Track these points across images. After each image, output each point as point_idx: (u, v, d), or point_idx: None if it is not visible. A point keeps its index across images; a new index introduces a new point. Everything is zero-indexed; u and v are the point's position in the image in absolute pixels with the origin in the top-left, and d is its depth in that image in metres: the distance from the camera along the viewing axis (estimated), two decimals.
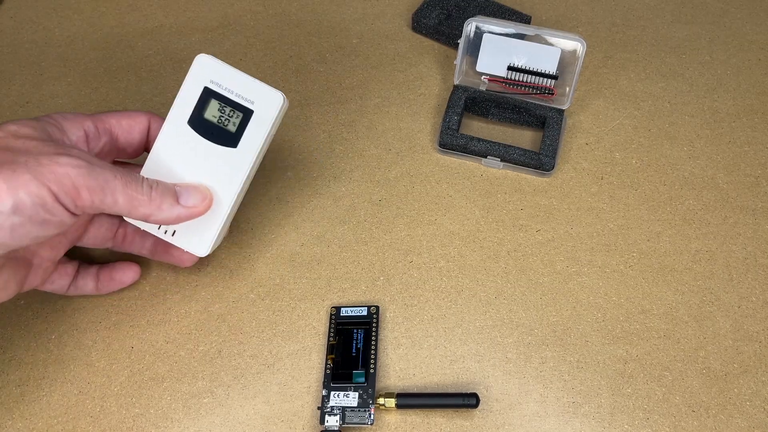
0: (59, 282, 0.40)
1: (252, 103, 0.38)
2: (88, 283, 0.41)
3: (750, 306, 0.43)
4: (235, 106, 0.38)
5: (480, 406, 0.39)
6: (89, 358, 0.41)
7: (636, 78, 0.55)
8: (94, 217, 0.40)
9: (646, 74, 0.55)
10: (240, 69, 0.39)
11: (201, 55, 0.39)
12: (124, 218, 0.40)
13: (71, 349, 0.41)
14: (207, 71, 0.39)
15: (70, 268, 0.40)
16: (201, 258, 0.41)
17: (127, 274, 0.42)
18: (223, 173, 0.39)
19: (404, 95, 0.54)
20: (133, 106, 0.53)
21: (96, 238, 0.41)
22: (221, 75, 0.39)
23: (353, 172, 0.49)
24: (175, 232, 0.39)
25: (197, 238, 0.39)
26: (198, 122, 0.38)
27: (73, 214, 0.31)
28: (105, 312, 0.43)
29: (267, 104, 0.38)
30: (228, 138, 0.38)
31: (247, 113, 0.38)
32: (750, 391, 0.40)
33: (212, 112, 0.39)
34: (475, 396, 0.38)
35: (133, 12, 0.59)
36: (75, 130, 0.35)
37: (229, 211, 0.39)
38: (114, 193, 0.32)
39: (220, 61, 0.39)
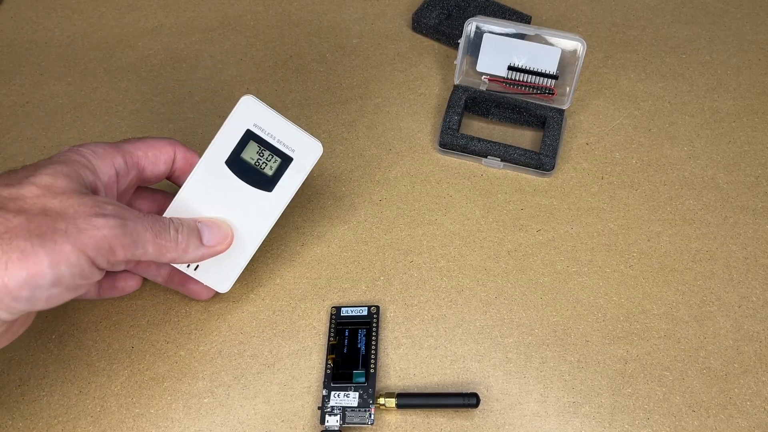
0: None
1: (293, 150, 0.39)
2: (90, 290, 0.40)
3: (750, 306, 0.43)
4: (275, 151, 0.39)
5: (480, 406, 0.39)
6: (89, 357, 0.41)
7: (636, 78, 0.55)
8: None
9: (646, 74, 0.55)
10: (282, 114, 0.40)
11: (247, 96, 0.39)
12: None
13: (71, 348, 0.41)
14: (251, 113, 0.39)
15: None
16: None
17: (129, 283, 0.41)
18: (255, 215, 0.39)
19: (404, 95, 0.54)
20: (133, 107, 0.53)
21: None
22: (265, 119, 0.39)
23: (353, 172, 0.49)
24: (198, 266, 0.39)
25: (221, 275, 0.40)
26: (235, 162, 0.39)
27: (103, 270, 0.32)
28: (105, 312, 0.43)
29: (306, 153, 0.40)
30: (264, 181, 0.39)
31: (286, 159, 0.39)
32: (750, 391, 0.40)
33: (250, 154, 0.39)
34: (475, 396, 0.38)
35: (133, 12, 0.59)
36: (106, 169, 0.35)
37: (253, 253, 0.40)
38: (145, 245, 0.33)
39: (264, 105, 0.39)
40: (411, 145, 0.51)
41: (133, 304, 0.43)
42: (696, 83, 0.54)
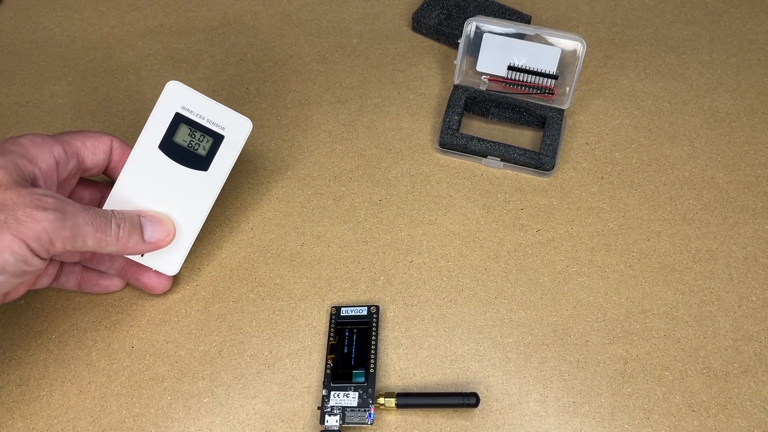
0: (40, 282, 0.40)
1: (223, 129, 0.41)
2: (70, 280, 0.41)
3: (750, 306, 0.43)
4: (206, 131, 0.41)
5: (480, 406, 0.39)
6: (89, 357, 0.41)
7: (636, 78, 0.55)
8: None
9: (646, 74, 0.55)
10: (237, 111, 0.41)
11: (172, 81, 0.40)
12: None
13: (71, 348, 0.41)
14: (178, 97, 0.40)
15: (51, 269, 0.40)
16: (172, 278, 0.42)
17: (114, 282, 0.42)
18: (193, 196, 0.41)
19: (404, 95, 0.54)
20: (133, 107, 0.53)
21: (67, 254, 0.41)
22: (192, 101, 0.41)
23: (353, 172, 0.49)
24: (143, 254, 0.40)
25: (167, 259, 0.41)
26: (168, 146, 0.40)
27: (45, 259, 0.33)
28: (105, 312, 0.43)
29: (237, 130, 0.41)
30: (199, 161, 0.41)
31: (218, 138, 0.41)
32: (750, 391, 0.40)
33: (182, 136, 0.41)
34: (475, 396, 0.38)
35: (133, 12, 0.60)
36: (45, 158, 0.36)
37: (197, 232, 0.41)
38: (85, 238, 0.34)
39: (190, 89, 0.40)
40: (411, 145, 0.51)
41: (133, 304, 0.43)
42: (696, 83, 0.54)
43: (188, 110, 0.40)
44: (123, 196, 0.40)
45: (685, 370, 0.40)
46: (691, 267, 0.45)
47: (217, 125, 0.41)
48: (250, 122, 0.42)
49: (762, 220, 0.47)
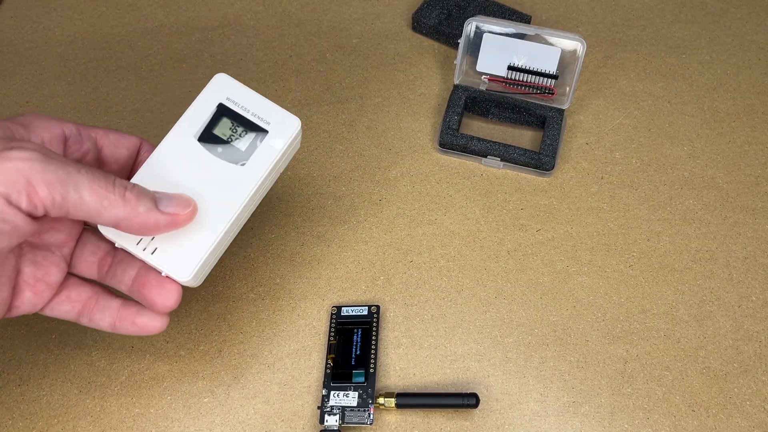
0: (62, 308, 0.34)
1: (268, 123, 0.37)
2: (105, 318, 0.34)
3: (750, 306, 0.43)
4: (248, 125, 0.36)
5: (480, 406, 0.39)
6: (90, 357, 0.41)
7: (636, 78, 0.55)
8: (78, 240, 0.35)
9: (646, 74, 0.55)
10: (259, 92, 0.37)
11: (220, 74, 0.37)
12: (98, 228, 0.34)
13: (72, 348, 0.41)
14: (224, 89, 0.37)
15: (78, 293, 0.34)
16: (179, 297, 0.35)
17: (154, 323, 0.34)
18: (226, 191, 0.35)
19: (404, 95, 0.54)
20: (133, 106, 0.53)
21: (82, 263, 0.35)
22: (239, 94, 0.37)
23: (353, 172, 0.49)
24: (156, 249, 0.33)
25: (180, 259, 0.33)
26: (206, 137, 0.36)
27: (31, 216, 0.27)
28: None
29: (282, 127, 0.37)
30: (236, 155, 0.36)
31: (260, 132, 0.37)
32: (750, 391, 0.40)
33: (223, 130, 0.36)
34: (475, 396, 0.38)
35: (133, 12, 0.60)
36: (49, 128, 0.31)
37: (223, 235, 0.35)
38: (78, 188, 0.27)
39: (238, 82, 0.37)
40: (411, 145, 0.51)
41: None
42: (696, 83, 0.54)
43: (233, 102, 0.36)
44: (147, 182, 0.34)
45: (685, 370, 0.40)
46: (691, 267, 0.45)
47: (261, 119, 0.37)
48: (299, 120, 0.37)
49: (762, 220, 0.47)
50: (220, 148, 0.36)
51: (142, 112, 0.52)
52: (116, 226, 0.30)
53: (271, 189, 0.48)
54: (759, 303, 0.43)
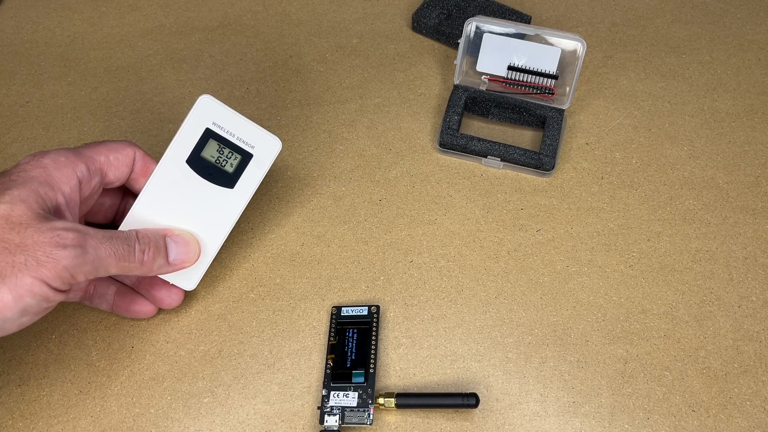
0: (70, 297, 0.39)
1: (252, 147, 0.40)
2: (102, 303, 0.41)
3: (750, 306, 0.43)
4: (235, 148, 0.40)
5: (480, 406, 0.39)
6: (90, 357, 0.41)
7: (636, 78, 0.55)
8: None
9: (646, 74, 0.55)
10: (239, 111, 0.40)
11: (204, 96, 0.40)
12: None
13: (72, 348, 0.41)
14: (209, 113, 0.40)
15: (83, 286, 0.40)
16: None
17: (145, 307, 0.41)
18: (218, 212, 0.40)
19: (404, 95, 0.54)
20: (133, 107, 0.53)
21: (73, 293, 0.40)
22: (223, 117, 0.40)
23: (353, 172, 0.49)
24: None
25: (186, 274, 0.40)
26: (196, 161, 0.40)
27: (65, 291, 0.33)
28: (105, 312, 0.43)
29: (266, 149, 0.41)
30: (225, 178, 0.40)
31: (246, 156, 0.40)
32: (750, 391, 0.40)
33: (210, 152, 0.40)
34: (474, 396, 0.38)
35: (133, 12, 0.60)
36: (68, 180, 0.35)
37: (218, 250, 0.41)
38: (108, 268, 0.34)
39: (222, 104, 0.40)
40: (411, 145, 0.51)
41: None
42: (696, 83, 0.54)
43: (219, 126, 0.40)
44: (147, 209, 0.39)
45: (685, 370, 0.40)
46: (691, 267, 0.45)
47: (246, 143, 0.40)
48: (280, 142, 0.41)
49: (762, 220, 0.47)
50: (210, 173, 0.40)
51: (142, 112, 0.52)
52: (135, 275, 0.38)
53: (271, 189, 0.48)
54: (759, 303, 0.43)
